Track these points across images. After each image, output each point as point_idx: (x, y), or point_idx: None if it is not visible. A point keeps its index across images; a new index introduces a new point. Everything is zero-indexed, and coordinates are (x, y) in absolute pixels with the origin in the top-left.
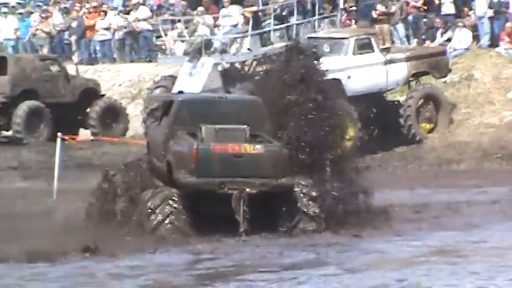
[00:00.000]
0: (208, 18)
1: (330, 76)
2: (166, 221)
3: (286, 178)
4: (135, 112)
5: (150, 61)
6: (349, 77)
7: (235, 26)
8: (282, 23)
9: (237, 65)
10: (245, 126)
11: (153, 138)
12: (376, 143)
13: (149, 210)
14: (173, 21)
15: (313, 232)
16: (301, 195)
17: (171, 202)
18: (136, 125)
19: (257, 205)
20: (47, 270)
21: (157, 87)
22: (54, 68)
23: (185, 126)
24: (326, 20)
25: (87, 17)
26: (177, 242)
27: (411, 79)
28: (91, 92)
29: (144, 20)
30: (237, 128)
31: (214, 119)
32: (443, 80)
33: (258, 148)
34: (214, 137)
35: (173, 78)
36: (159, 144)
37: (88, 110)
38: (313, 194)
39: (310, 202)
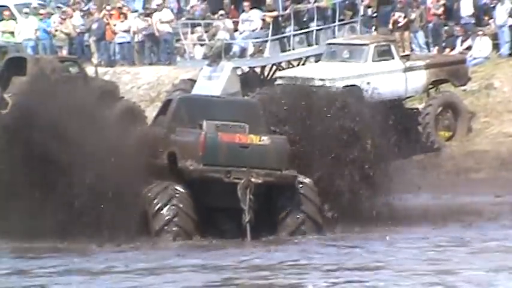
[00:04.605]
0: (229, 23)
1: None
2: (172, 223)
3: (289, 170)
4: (153, 115)
5: (169, 64)
6: (368, 84)
7: (255, 30)
8: (302, 29)
9: (257, 70)
10: (244, 123)
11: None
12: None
13: (155, 209)
14: (193, 25)
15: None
16: (303, 196)
17: (175, 202)
18: None
19: (259, 201)
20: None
21: (176, 90)
22: (74, 70)
23: (183, 123)
24: (346, 26)
25: (107, 19)
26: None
27: (430, 87)
28: (110, 94)
29: (167, 22)
30: (237, 124)
31: (211, 118)
32: (462, 88)
33: (264, 139)
34: (215, 131)
35: (192, 81)
36: (156, 142)
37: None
38: (314, 195)
39: (311, 203)
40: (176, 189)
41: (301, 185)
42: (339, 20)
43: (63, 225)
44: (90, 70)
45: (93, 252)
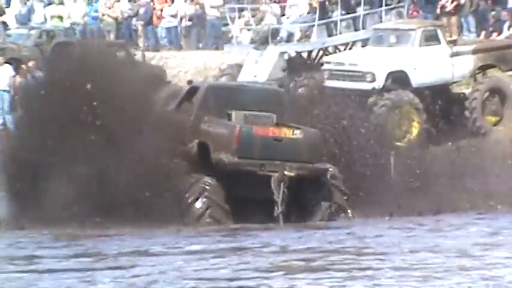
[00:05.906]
0: (276, 7)
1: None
2: (205, 215)
3: (320, 163)
4: None
5: (216, 49)
6: (415, 69)
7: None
8: (349, 13)
9: (303, 55)
10: (272, 113)
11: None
12: (441, 135)
13: (188, 203)
14: (240, 9)
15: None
16: (331, 184)
17: (208, 194)
18: None
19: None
20: None
21: (223, 75)
22: (121, 54)
23: (210, 111)
24: (393, 11)
25: (154, 4)
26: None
27: (477, 72)
28: (157, 79)
29: (216, 7)
30: (265, 115)
31: (238, 107)
32: (509, 73)
33: (297, 133)
34: (244, 122)
35: (239, 66)
36: (183, 128)
37: None
38: (341, 183)
39: (339, 191)
40: (208, 182)
41: (328, 174)
42: (386, 5)
43: (105, 209)
44: (137, 55)
45: (154, 235)
